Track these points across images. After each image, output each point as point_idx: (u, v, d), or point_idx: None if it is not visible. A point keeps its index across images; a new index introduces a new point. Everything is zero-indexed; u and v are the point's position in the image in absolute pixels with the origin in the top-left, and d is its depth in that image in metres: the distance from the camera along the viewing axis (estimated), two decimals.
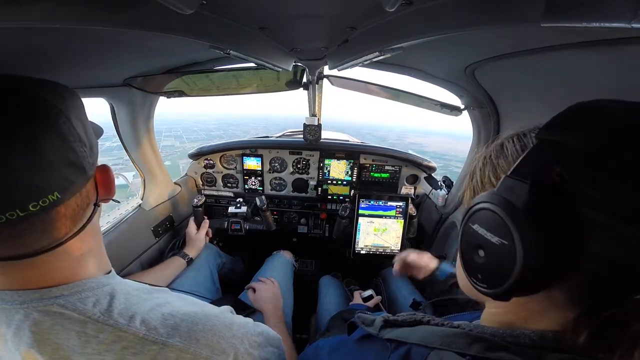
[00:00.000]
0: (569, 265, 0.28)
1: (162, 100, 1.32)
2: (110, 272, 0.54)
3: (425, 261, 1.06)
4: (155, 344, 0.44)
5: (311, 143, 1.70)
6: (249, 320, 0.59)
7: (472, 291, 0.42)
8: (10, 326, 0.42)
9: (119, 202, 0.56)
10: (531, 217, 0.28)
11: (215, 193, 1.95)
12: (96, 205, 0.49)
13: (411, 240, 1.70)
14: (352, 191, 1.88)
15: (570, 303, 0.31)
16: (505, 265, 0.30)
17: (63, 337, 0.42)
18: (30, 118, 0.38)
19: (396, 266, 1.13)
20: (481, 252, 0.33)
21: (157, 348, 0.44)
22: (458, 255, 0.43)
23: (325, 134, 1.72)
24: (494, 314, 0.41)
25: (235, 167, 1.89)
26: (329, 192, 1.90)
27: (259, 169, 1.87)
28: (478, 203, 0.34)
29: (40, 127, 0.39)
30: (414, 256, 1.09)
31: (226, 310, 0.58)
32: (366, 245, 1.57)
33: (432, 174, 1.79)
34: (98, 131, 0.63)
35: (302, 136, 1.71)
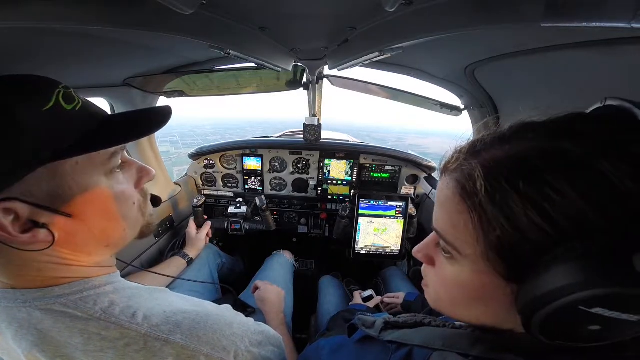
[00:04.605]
0: None
1: (160, 103, 1.32)
2: (113, 272, 0.54)
3: (397, 295, 1.30)
4: (158, 340, 0.44)
5: (311, 143, 1.70)
6: (250, 319, 0.59)
7: (455, 315, 0.41)
8: (12, 325, 0.42)
9: None
10: None
11: (215, 193, 1.94)
12: None
13: (411, 240, 1.69)
14: (352, 191, 1.88)
15: None
16: (623, 333, 0.27)
17: (66, 335, 0.42)
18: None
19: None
20: (594, 327, 0.27)
21: (160, 345, 0.44)
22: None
23: (325, 134, 1.71)
24: None
25: (235, 167, 1.89)
26: (329, 192, 1.90)
27: (259, 169, 1.87)
28: (605, 287, 0.25)
29: None
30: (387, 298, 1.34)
31: (227, 308, 0.58)
32: (366, 245, 1.56)
33: (432, 174, 1.79)
34: None
35: (302, 136, 1.70)
